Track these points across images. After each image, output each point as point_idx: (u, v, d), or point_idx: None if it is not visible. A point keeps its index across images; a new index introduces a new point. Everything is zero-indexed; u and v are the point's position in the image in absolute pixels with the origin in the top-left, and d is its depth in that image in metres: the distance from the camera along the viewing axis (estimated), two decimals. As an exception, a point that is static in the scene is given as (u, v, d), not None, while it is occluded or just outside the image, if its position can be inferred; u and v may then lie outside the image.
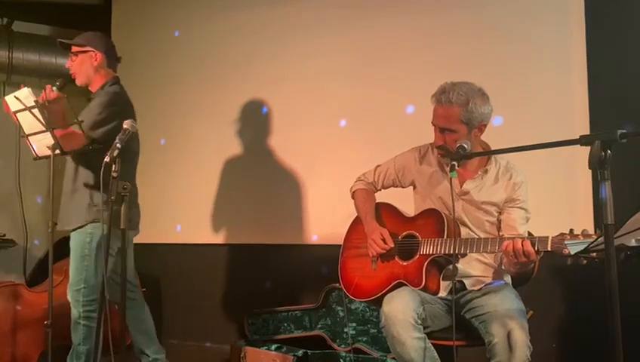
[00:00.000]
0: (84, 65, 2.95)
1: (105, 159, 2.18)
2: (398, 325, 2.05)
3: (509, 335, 1.96)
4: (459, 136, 2.20)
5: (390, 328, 2.07)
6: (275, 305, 3.77)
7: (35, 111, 2.54)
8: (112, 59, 3.03)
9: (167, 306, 4.33)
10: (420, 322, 2.08)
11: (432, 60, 3.34)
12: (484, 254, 2.26)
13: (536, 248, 1.92)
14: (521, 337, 1.95)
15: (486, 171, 2.29)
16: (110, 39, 3.15)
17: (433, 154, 2.41)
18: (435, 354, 2.12)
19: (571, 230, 1.83)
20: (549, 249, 1.88)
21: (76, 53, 2.96)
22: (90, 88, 2.98)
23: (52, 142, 2.57)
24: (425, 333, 2.14)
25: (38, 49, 4.44)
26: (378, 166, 2.58)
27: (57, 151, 2.59)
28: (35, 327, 3.45)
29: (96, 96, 2.91)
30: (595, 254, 1.72)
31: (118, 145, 2.23)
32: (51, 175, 2.60)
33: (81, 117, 2.72)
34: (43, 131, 2.58)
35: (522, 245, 1.92)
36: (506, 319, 1.99)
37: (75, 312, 2.78)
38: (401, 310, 2.07)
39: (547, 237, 1.89)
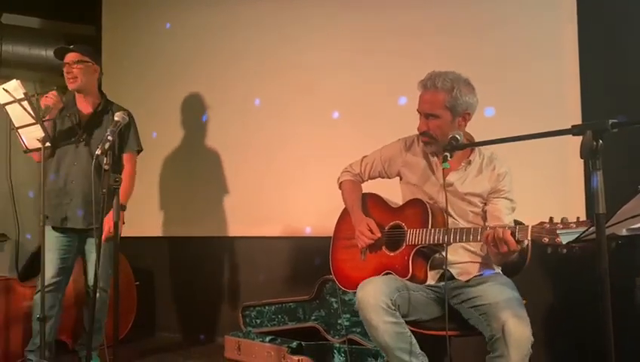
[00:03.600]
0: (91, 75, 3.13)
1: (97, 152, 2.17)
2: (369, 309, 2.08)
3: (511, 330, 1.94)
4: (442, 122, 2.24)
5: (363, 312, 2.11)
6: (268, 297, 3.77)
7: (25, 103, 2.53)
8: (100, 74, 3.28)
9: (161, 299, 4.34)
10: (393, 307, 2.10)
11: (425, 52, 3.33)
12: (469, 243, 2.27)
13: (516, 237, 1.93)
14: (524, 332, 1.94)
15: (469, 162, 2.31)
16: None
17: (419, 145, 2.43)
18: (413, 339, 2.12)
19: (551, 218, 1.84)
20: (529, 238, 1.89)
21: (81, 62, 3.08)
22: (83, 94, 3.14)
23: (42, 134, 2.55)
24: (412, 322, 2.17)
25: (28, 41, 4.41)
26: (364, 157, 2.60)
27: (47, 144, 2.57)
28: (27, 321, 3.44)
29: (108, 118, 3.12)
30: (574, 244, 1.72)
31: (110, 137, 2.22)
32: (42, 167, 2.58)
33: (128, 140, 3.18)
34: (33, 123, 2.57)
35: (502, 234, 1.94)
36: (508, 311, 1.97)
37: (105, 295, 3.09)
38: (372, 295, 2.09)
39: (527, 227, 1.91)
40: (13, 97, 2.53)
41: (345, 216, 2.58)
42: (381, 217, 2.43)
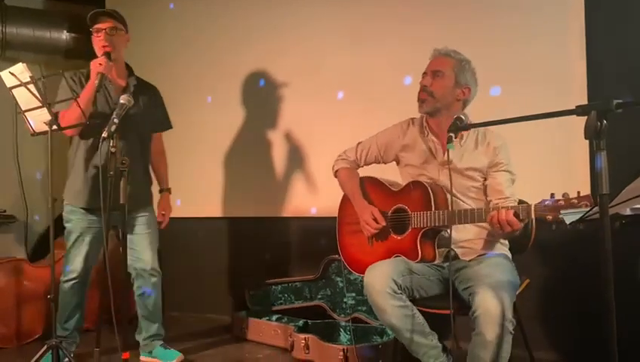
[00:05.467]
0: (122, 42, 2.96)
1: (103, 135, 2.17)
2: (375, 294, 2.14)
3: (479, 305, 1.97)
4: (445, 82, 2.33)
5: (370, 297, 2.17)
6: (275, 276, 3.81)
7: (31, 86, 2.53)
8: None
9: (169, 279, 4.35)
10: (399, 291, 2.14)
11: (430, 31, 3.30)
12: None
13: (520, 217, 1.96)
14: (497, 310, 1.94)
15: (462, 137, 2.34)
16: None
17: (414, 127, 2.46)
18: (421, 319, 2.18)
19: (552, 194, 1.86)
20: (533, 216, 1.92)
21: (117, 29, 2.91)
22: (115, 64, 2.91)
23: (49, 117, 2.56)
24: (417, 301, 2.21)
25: (32, 23, 4.38)
26: (359, 143, 2.62)
27: (54, 127, 2.58)
28: (38, 301, 3.50)
29: (140, 88, 3.02)
30: (562, 217, 1.77)
31: (116, 120, 2.23)
32: (49, 151, 2.59)
33: (162, 119, 3.22)
34: (40, 107, 2.57)
35: (505, 216, 1.97)
36: (489, 291, 1.99)
37: (157, 280, 3.09)
38: (378, 280, 2.15)
39: (530, 206, 1.93)
40: (20, 81, 2.52)
41: (347, 201, 2.60)
42: (382, 202, 2.45)
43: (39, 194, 4.03)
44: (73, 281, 2.95)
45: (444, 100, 2.34)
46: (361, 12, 3.60)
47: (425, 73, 2.40)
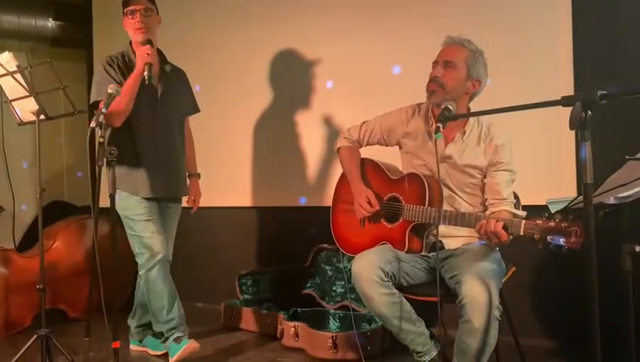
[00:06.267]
0: (155, 23, 2.85)
1: (91, 124, 2.16)
2: (363, 282, 2.17)
3: (466, 292, 2.00)
4: (457, 74, 2.27)
5: (358, 285, 2.19)
6: (265, 265, 3.82)
7: (18, 76, 2.50)
8: None
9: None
10: (386, 279, 2.17)
11: (419, 21, 3.31)
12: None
13: (509, 231, 1.96)
14: (484, 297, 1.97)
15: (464, 132, 2.31)
16: None
17: (420, 115, 2.43)
18: (408, 306, 2.21)
19: (544, 214, 1.84)
20: (522, 233, 1.91)
21: (152, 10, 2.81)
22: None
23: (36, 107, 2.54)
24: (404, 289, 2.24)
25: (17, 10, 4.33)
26: (364, 123, 2.58)
27: (42, 117, 2.56)
28: (27, 291, 3.49)
29: (172, 73, 2.97)
30: (550, 239, 1.77)
31: (104, 110, 2.21)
32: (37, 140, 2.57)
33: (193, 102, 3.16)
34: (27, 96, 2.55)
35: (494, 227, 1.97)
36: (475, 279, 2.02)
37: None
38: (366, 269, 2.17)
39: (520, 222, 1.92)
40: (6, 70, 2.49)
41: (344, 179, 2.60)
42: (380, 187, 2.46)
43: (26, 183, 4.00)
44: (159, 264, 2.81)
45: (455, 93, 2.27)
46: (351, 2, 3.59)
47: (436, 62, 2.31)
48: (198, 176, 3.22)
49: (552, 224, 1.79)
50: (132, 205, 2.84)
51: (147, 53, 2.67)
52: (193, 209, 3.19)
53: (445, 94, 2.26)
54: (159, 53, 2.96)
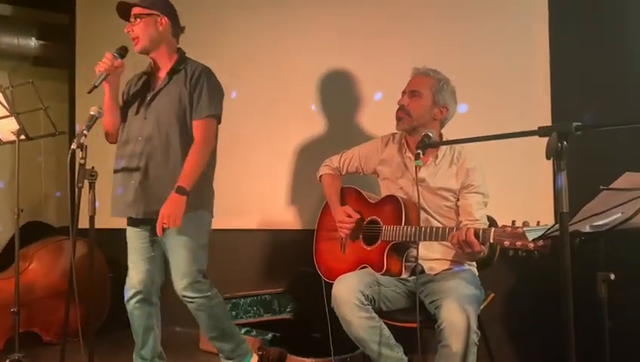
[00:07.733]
0: (148, 29, 2.59)
1: (72, 146, 2.14)
2: (343, 306, 2.19)
3: (445, 316, 2.03)
4: (423, 102, 2.38)
5: (338, 308, 2.21)
6: (244, 289, 3.79)
7: (-1, 95, 2.49)
8: (177, 27, 2.70)
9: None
10: (366, 302, 2.19)
11: (401, 48, 3.37)
12: None
13: (479, 239, 2.01)
14: (463, 322, 2.00)
15: (436, 156, 2.39)
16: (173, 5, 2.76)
17: (394, 143, 2.52)
18: (387, 332, 2.22)
19: (513, 222, 1.92)
20: (491, 241, 1.97)
21: (139, 16, 2.59)
22: (152, 55, 2.66)
23: (17, 127, 2.52)
24: (383, 314, 2.26)
25: (0, 29, 4.32)
26: (344, 152, 2.70)
27: (22, 137, 2.54)
28: (1, 314, 3.41)
29: (177, 75, 2.64)
30: (519, 244, 1.85)
31: (85, 132, 2.20)
32: (17, 160, 2.55)
33: (201, 107, 2.61)
34: (7, 116, 2.53)
35: (466, 236, 2.02)
36: (454, 304, 2.05)
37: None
38: (345, 292, 2.19)
39: (490, 229, 1.99)
40: (-14, 89, 2.49)
41: (327, 209, 2.67)
42: (361, 212, 2.50)
43: (2, 203, 3.94)
44: (133, 299, 2.69)
45: (421, 119, 2.39)
46: (335, 27, 3.65)
47: (403, 92, 2.45)
48: (182, 190, 2.50)
49: (520, 230, 1.86)
50: (128, 228, 2.70)
51: (101, 62, 2.52)
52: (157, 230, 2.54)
53: (412, 121, 2.38)
54: (179, 51, 2.73)
